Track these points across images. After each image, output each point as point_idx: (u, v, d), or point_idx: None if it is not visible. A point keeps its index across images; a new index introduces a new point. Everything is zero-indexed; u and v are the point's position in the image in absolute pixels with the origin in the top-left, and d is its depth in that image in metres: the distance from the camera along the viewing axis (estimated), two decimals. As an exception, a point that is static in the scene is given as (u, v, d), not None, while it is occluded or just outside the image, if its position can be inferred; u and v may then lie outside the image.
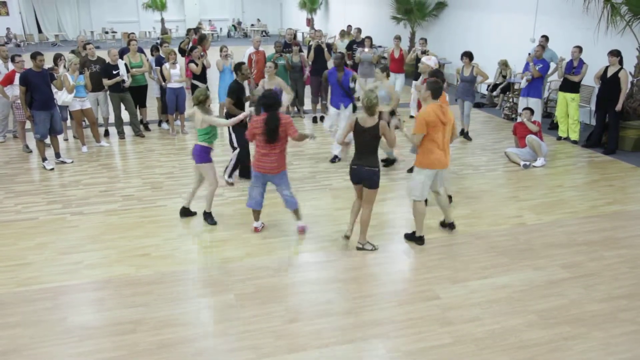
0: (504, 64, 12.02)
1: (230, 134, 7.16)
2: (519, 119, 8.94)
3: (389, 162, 8.16)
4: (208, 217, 6.19)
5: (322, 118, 10.97)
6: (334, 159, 8.36)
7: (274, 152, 5.48)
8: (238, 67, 7.19)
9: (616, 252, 5.51)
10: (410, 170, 6.79)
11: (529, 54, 9.73)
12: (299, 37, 24.31)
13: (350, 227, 5.56)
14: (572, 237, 5.83)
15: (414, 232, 5.72)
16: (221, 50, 10.14)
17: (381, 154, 6.67)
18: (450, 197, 6.67)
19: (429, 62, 7.23)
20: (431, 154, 5.31)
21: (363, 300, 4.64)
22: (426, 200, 6.44)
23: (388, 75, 7.71)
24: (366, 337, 4.16)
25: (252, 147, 6.82)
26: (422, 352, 3.99)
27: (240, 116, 6.10)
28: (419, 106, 6.83)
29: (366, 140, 5.20)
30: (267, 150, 5.47)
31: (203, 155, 5.99)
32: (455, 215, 6.35)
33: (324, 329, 4.26)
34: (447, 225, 5.96)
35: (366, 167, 5.21)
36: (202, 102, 5.95)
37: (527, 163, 8.12)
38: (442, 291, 4.78)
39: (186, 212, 6.36)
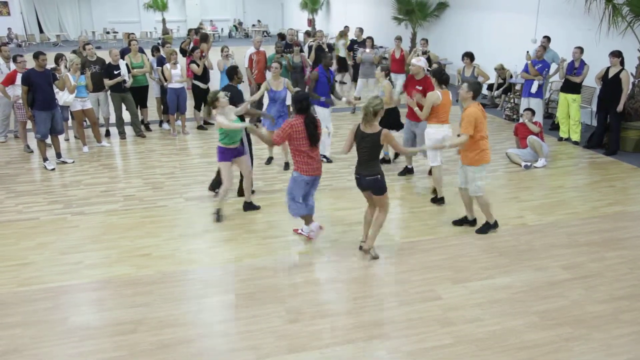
0: (500, 68, 12.00)
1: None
2: (520, 120, 8.93)
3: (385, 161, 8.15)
4: (216, 214, 6.30)
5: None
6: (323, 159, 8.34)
7: (317, 153, 5.39)
8: (234, 71, 7.06)
9: (617, 253, 5.50)
10: (434, 200, 6.80)
11: (527, 52, 9.71)
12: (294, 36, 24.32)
13: (365, 238, 5.45)
14: (573, 238, 5.82)
15: (485, 224, 5.93)
16: (222, 51, 10.14)
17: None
18: (442, 199, 6.73)
19: (419, 63, 7.15)
20: (486, 148, 5.62)
21: (363, 301, 4.64)
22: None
23: (387, 76, 7.72)
24: (367, 337, 4.16)
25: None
26: (423, 352, 3.98)
27: (239, 125, 5.81)
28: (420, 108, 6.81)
29: (366, 147, 5.06)
30: (314, 152, 5.32)
31: (218, 154, 6.15)
32: (455, 216, 6.34)
33: (325, 329, 4.26)
34: (469, 222, 6.12)
35: (367, 176, 5.11)
36: (212, 104, 5.93)
37: (528, 164, 8.11)
38: (443, 292, 4.78)
39: (250, 207, 6.51)
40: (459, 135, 5.60)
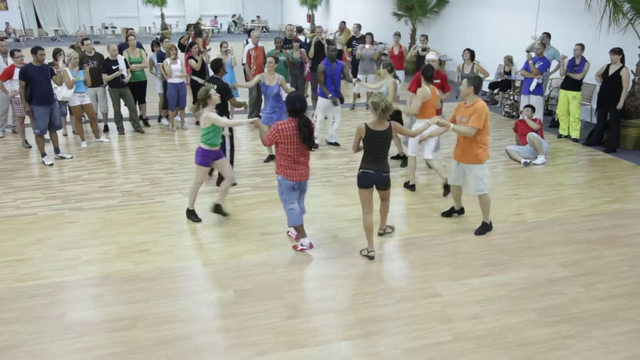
0: (508, 60, 11.96)
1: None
2: (520, 117, 8.92)
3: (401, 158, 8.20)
4: (191, 214, 6.15)
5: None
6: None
7: (307, 158, 5.22)
8: (219, 63, 6.98)
9: (616, 250, 5.50)
10: (407, 185, 7.08)
11: (527, 51, 9.70)
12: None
13: (371, 247, 5.29)
14: (572, 235, 5.82)
15: (483, 225, 5.87)
16: (221, 46, 10.10)
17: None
18: (413, 186, 7.05)
19: (433, 56, 7.28)
20: (487, 145, 5.57)
21: (362, 297, 4.63)
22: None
23: (391, 72, 7.70)
24: (365, 334, 4.15)
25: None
26: (422, 349, 3.98)
27: (243, 122, 5.74)
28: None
29: (379, 144, 5.04)
30: (302, 157, 5.15)
31: (200, 157, 5.84)
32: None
33: (323, 325, 4.25)
34: (457, 212, 6.22)
35: (384, 172, 5.12)
36: (203, 101, 5.79)
37: (528, 160, 8.10)
38: (442, 288, 4.77)
39: (218, 210, 6.09)
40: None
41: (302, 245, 5.46)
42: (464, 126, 5.44)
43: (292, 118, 5.06)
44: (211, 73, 7.57)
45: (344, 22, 15.30)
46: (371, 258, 5.27)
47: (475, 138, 5.44)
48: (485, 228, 5.87)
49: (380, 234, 5.73)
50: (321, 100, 8.62)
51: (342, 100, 8.57)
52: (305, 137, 5.02)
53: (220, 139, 5.92)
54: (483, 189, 5.65)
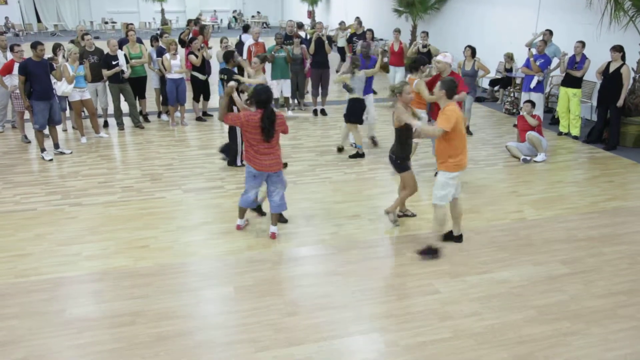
0: (509, 57, 11.95)
1: None
2: (520, 113, 8.91)
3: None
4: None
5: (322, 111, 10.93)
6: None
7: (273, 150, 5.25)
8: (230, 54, 7.15)
9: (616, 248, 5.50)
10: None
11: (529, 49, 9.68)
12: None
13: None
14: (572, 233, 5.82)
15: (427, 248, 5.32)
16: (221, 42, 10.08)
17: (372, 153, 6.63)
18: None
19: (446, 59, 6.82)
20: (461, 154, 5.06)
21: (362, 294, 4.63)
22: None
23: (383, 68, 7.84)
24: (365, 331, 4.15)
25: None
26: (421, 346, 3.98)
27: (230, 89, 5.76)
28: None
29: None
30: (265, 149, 5.21)
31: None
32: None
33: (323, 322, 4.25)
34: (454, 238, 5.60)
35: (389, 154, 5.76)
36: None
37: (528, 157, 8.10)
38: (442, 286, 4.78)
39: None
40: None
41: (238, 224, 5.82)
42: (431, 127, 5.16)
43: (259, 110, 5.12)
44: (216, 66, 7.64)
45: (343, 22, 15.34)
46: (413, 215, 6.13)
47: (448, 143, 5.01)
48: (429, 252, 5.23)
49: (399, 216, 6.08)
50: (369, 98, 8.63)
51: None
52: (265, 128, 5.08)
53: None
54: (439, 199, 5.15)
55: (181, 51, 10.24)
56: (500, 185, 7.19)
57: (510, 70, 11.86)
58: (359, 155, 8.19)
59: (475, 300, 4.56)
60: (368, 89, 8.54)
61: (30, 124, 8.55)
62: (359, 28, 12.99)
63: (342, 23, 15.56)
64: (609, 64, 8.53)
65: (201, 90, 10.24)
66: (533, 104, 8.46)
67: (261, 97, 5.11)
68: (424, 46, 11.31)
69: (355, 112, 8.01)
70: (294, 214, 6.14)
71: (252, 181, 5.44)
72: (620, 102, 8.46)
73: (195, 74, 10.00)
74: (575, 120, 9.25)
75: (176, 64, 9.48)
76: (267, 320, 4.28)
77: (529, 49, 9.64)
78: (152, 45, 10.43)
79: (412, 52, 11.51)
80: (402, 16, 16.72)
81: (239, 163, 7.68)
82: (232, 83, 5.86)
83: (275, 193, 5.49)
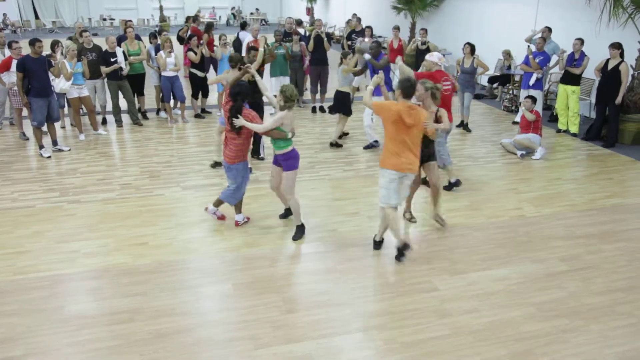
0: (507, 54, 11.95)
1: None
2: (520, 110, 8.91)
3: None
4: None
5: (321, 108, 10.92)
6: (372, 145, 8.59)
7: (234, 142, 5.38)
8: (238, 59, 7.15)
9: (614, 245, 5.51)
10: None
11: (528, 46, 9.68)
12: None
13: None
14: (570, 230, 5.83)
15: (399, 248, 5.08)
16: (220, 39, 10.06)
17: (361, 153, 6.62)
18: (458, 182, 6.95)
19: (432, 58, 6.83)
20: (391, 152, 4.85)
21: (361, 292, 4.64)
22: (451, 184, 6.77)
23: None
24: (364, 328, 4.16)
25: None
26: (420, 343, 3.98)
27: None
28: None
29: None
30: (231, 138, 5.39)
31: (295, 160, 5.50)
32: (454, 207, 6.35)
33: (322, 319, 4.25)
34: (377, 243, 5.38)
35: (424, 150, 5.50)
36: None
37: (524, 152, 8.12)
38: (440, 283, 4.78)
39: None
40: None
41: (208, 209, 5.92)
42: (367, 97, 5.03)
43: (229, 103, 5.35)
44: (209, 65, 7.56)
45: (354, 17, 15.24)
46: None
47: (387, 137, 4.90)
48: (402, 253, 5.06)
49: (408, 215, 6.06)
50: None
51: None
52: (229, 120, 5.30)
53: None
54: (380, 199, 5.02)
55: (180, 48, 10.22)
56: (499, 182, 7.19)
57: (509, 67, 11.85)
58: (338, 145, 8.50)
59: (474, 297, 4.57)
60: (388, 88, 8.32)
61: (29, 121, 8.53)
62: (358, 25, 12.95)
63: (349, 22, 15.49)
64: (607, 61, 8.52)
65: (200, 87, 10.22)
66: (534, 100, 8.42)
67: (235, 89, 5.29)
68: (423, 43, 11.31)
69: (343, 105, 8.28)
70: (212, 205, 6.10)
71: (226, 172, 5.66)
72: (618, 100, 8.46)
73: (194, 71, 9.98)
74: (574, 118, 9.25)
75: (171, 62, 9.45)
76: (266, 317, 4.28)
77: (528, 46, 9.64)
78: (150, 42, 10.41)
79: (410, 49, 11.52)
80: (401, 13, 16.70)
81: (261, 154, 7.95)
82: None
83: (228, 183, 5.65)
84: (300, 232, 5.60)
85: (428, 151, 5.60)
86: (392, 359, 3.82)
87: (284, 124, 5.22)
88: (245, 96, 5.28)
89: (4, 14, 26.40)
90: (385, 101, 4.94)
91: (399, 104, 4.81)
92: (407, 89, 4.84)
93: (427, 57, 7.04)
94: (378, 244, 5.37)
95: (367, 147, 8.49)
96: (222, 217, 5.95)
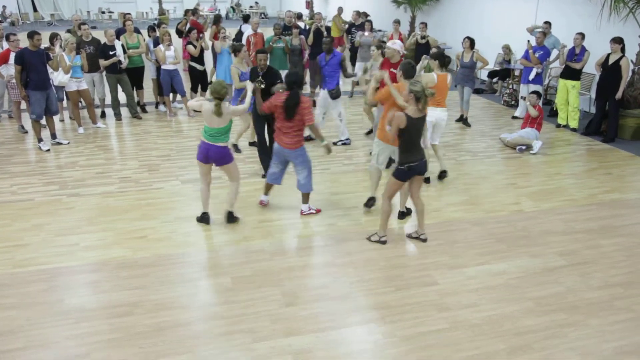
0: (507, 49, 11.91)
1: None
2: (520, 105, 8.90)
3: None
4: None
5: (320, 102, 10.88)
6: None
7: (292, 130, 5.56)
8: (239, 49, 7.20)
9: (613, 240, 5.52)
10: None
11: (528, 40, 9.65)
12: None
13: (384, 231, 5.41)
14: (569, 225, 5.83)
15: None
16: (219, 32, 10.01)
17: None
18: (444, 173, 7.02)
19: (394, 46, 7.06)
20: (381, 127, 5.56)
21: (360, 285, 4.64)
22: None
23: (443, 65, 7.54)
24: (363, 321, 4.17)
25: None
26: (419, 337, 4.00)
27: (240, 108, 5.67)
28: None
29: (417, 131, 5.02)
30: (285, 128, 5.56)
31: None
32: (453, 202, 6.35)
33: (321, 313, 4.26)
34: (402, 214, 5.96)
35: (423, 159, 5.10)
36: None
37: (523, 147, 8.11)
38: (440, 277, 4.79)
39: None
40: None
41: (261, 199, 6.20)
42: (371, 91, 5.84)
43: (286, 92, 5.52)
44: (208, 59, 7.56)
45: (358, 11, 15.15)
46: (384, 243, 5.36)
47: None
48: (370, 202, 6.12)
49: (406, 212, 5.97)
50: (321, 93, 8.38)
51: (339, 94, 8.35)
52: (285, 106, 5.45)
53: None
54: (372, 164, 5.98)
55: (178, 42, 10.17)
56: (498, 177, 7.19)
57: (509, 62, 11.82)
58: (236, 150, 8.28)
59: (473, 291, 4.58)
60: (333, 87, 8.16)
61: (27, 114, 8.51)
62: (357, 19, 12.90)
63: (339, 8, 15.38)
64: (608, 56, 8.51)
65: (199, 80, 10.19)
66: (539, 95, 8.36)
67: (291, 78, 5.47)
68: (423, 37, 11.27)
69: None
70: (292, 205, 6.14)
71: (275, 158, 5.83)
72: (619, 95, 8.45)
73: (194, 64, 9.95)
74: (573, 113, 9.24)
75: (170, 55, 9.41)
76: (265, 310, 4.28)
77: (528, 41, 9.61)
78: (149, 36, 10.36)
79: (410, 43, 11.48)
80: (401, 7, 16.65)
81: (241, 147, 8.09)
82: (252, 85, 5.91)
83: (298, 172, 5.80)
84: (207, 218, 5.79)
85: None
86: (391, 352, 3.83)
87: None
88: (300, 85, 5.50)
89: (3, 6, 26.29)
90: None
91: (398, 86, 5.42)
92: (409, 71, 5.50)
93: (389, 44, 7.17)
94: (403, 214, 5.89)
95: (337, 143, 8.39)
96: (318, 210, 6.06)
